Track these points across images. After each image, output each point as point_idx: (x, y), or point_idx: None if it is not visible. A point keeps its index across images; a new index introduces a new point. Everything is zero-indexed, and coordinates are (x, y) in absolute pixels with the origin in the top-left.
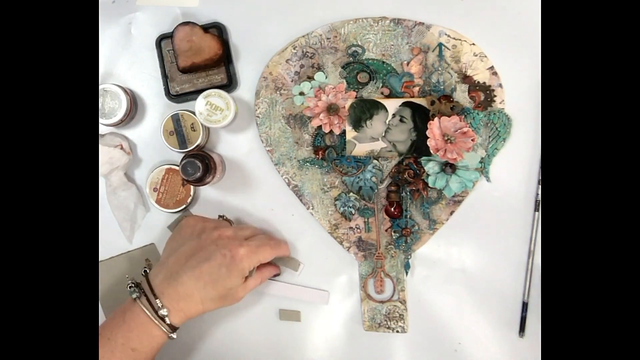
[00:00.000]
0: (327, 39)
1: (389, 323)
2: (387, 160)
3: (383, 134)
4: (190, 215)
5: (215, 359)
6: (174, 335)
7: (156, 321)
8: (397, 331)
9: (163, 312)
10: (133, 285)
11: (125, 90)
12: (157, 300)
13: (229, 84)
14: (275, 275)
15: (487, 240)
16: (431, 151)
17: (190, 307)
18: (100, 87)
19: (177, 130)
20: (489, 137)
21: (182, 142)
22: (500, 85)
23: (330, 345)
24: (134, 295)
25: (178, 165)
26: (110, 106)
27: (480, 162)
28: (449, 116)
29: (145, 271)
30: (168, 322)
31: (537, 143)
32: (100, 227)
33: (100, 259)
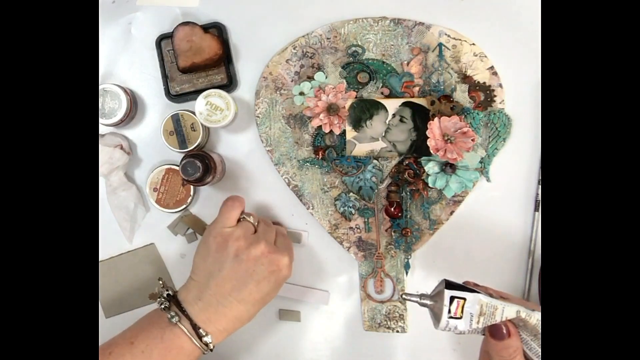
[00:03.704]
0: (327, 39)
1: (389, 323)
2: (387, 160)
3: (383, 134)
4: (213, 227)
5: (215, 359)
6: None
7: (198, 345)
8: (397, 331)
9: (207, 339)
10: (167, 306)
11: (125, 90)
12: (200, 329)
13: (229, 84)
14: None
15: (487, 240)
16: (431, 151)
17: (237, 326)
18: (100, 87)
19: (177, 130)
20: (489, 137)
21: (182, 142)
22: (500, 85)
23: (330, 345)
24: (174, 320)
25: (178, 165)
26: (110, 106)
27: (480, 162)
28: (449, 116)
29: (169, 293)
30: (212, 346)
31: (537, 143)
32: (100, 227)
33: (100, 259)
